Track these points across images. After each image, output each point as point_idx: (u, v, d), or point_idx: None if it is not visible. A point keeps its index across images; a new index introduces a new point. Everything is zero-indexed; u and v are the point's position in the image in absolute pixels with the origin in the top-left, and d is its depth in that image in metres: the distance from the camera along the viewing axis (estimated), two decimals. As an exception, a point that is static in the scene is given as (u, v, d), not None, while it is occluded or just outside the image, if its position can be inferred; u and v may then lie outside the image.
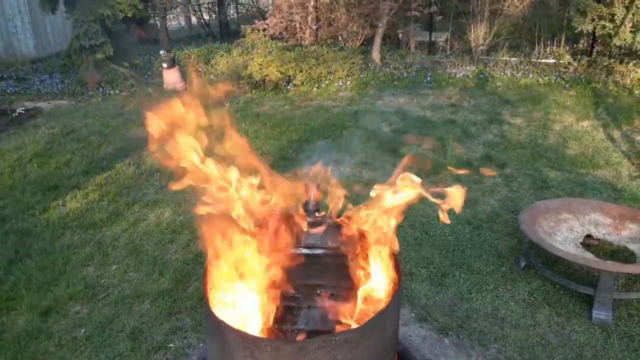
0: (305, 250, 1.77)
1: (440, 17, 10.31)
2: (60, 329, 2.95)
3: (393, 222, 1.66)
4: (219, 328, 1.50)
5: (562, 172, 4.82)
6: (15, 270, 3.54)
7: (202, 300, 3.16)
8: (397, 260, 1.69)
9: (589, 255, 3.10)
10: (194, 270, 3.46)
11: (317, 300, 1.77)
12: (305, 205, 1.75)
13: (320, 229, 1.74)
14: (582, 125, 6.15)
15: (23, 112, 7.51)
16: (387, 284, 1.66)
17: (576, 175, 4.74)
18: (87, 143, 6.13)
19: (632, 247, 3.23)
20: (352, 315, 1.62)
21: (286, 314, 1.75)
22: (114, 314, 3.06)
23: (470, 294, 3.13)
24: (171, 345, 2.80)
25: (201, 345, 2.75)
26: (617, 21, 7.04)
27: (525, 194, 4.41)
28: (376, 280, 1.67)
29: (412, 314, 2.96)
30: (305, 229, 1.73)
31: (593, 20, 7.35)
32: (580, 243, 3.29)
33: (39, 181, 5.04)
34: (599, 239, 3.42)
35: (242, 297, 1.64)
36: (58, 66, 10.22)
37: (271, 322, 1.63)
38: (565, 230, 3.37)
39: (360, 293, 1.65)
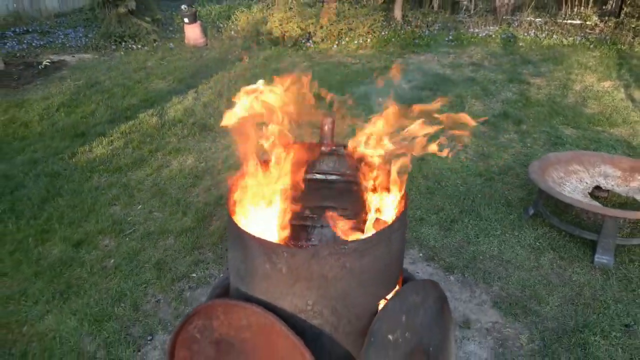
0: (319, 176, 1.91)
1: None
2: (92, 259, 3.17)
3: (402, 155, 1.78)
4: (241, 238, 1.65)
5: (578, 130, 4.85)
6: (48, 207, 3.76)
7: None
8: (404, 185, 1.82)
9: (595, 204, 3.19)
10: (215, 211, 3.65)
11: (329, 220, 1.93)
12: (322, 136, 1.88)
13: (333, 157, 1.88)
14: (604, 85, 6.10)
15: (49, 64, 7.69)
16: (393, 207, 1.79)
17: (592, 133, 4.76)
18: (111, 94, 6.29)
19: (639, 197, 3.30)
20: (362, 233, 1.76)
21: (301, 232, 1.91)
22: (140, 248, 3.27)
23: (478, 238, 3.26)
24: (194, 275, 3.00)
25: (221, 275, 2.94)
26: (646, -21, 6.85)
27: (539, 150, 4.47)
28: (384, 203, 1.81)
29: (421, 254, 3.11)
30: (320, 157, 1.87)
31: (622, -22, 7.17)
32: (589, 194, 3.38)
33: (66, 128, 5.24)
34: (608, 191, 3.50)
35: (261, 216, 1.80)
36: (81, 20, 10.35)
37: (287, 236, 1.79)
38: (574, 181, 3.45)
39: (370, 213, 1.79)
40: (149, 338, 2.56)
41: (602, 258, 2.95)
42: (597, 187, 3.46)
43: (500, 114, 5.28)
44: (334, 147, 1.91)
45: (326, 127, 1.95)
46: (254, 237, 1.60)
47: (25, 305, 2.78)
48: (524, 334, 2.50)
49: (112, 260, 3.16)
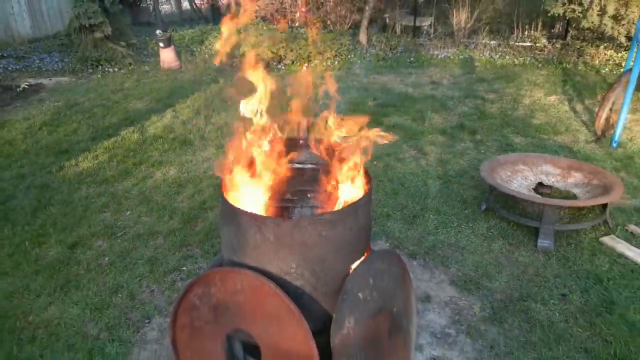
0: (298, 165, 2.29)
1: (422, 0, 10.78)
2: (87, 258, 3.44)
3: (362, 147, 2.17)
4: (235, 214, 2.00)
5: (527, 138, 5.38)
6: (41, 215, 4.01)
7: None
8: (368, 173, 2.21)
9: (535, 195, 3.65)
10: (199, 214, 3.96)
11: (307, 201, 2.29)
12: (299, 132, 2.26)
13: (309, 149, 2.25)
14: (550, 99, 6.71)
15: (27, 87, 7.89)
16: (359, 188, 2.17)
17: (539, 140, 5.30)
18: (91, 114, 6.55)
19: (575, 191, 3.78)
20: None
21: (283, 212, 2.26)
22: (132, 247, 3.56)
23: (437, 230, 3.67)
24: (184, 268, 3.30)
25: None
26: (584, 5, 7.58)
27: (491, 156, 4.94)
28: (352, 187, 2.19)
29: (387, 244, 3.50)
30: (298, 149, 2.25)
31: (564, 4, 7.89)
32: (533, 189, 3.84)
33: (50, 146, 5.48)
34: (550, 187, 3.97)
35: (250, 198, 2.15)
36: (56, 46, 10.58)
37: (273, 213, 2.14)
38: (520, 179, 3.91)
39: (340, 195, 2.16)
40: (147, 321, 2.84)
41: (544, 242, 3.39)
42: (540, 184, 3.93)
43: (457, 126, 5.79)
44: (309, 141, 2.29)
45: (303, 126, 2.34)
46: (246, 212, 1.96)
47: (28, 299, 3.03)
48: (477, 305, 2.89)
49: (107, 258, 3.44)
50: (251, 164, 2.22)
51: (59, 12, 12.24)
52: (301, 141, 2.30)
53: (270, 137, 2.30)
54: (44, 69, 9.11)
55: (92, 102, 7.14)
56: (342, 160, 2.25)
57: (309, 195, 2.31)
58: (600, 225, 3.60)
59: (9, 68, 9.06)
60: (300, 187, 2.30)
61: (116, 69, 8.93)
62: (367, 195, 2.12)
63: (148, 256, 3.44)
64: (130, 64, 9.10)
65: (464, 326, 2.73)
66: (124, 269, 3.32)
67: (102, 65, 8.95)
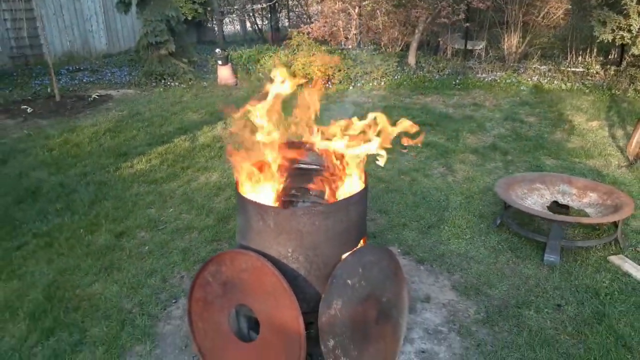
0: (303, 165, 2.61)
1: (468, 24, 10.89)
2: (130, 246, 3.90)
3: (362, 152, 2.46)
4: (243, 204, 2.35)
5: (558, 160, 5.45)
6: (96, 207, 4.55)
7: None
8: (365, 174, 2.50)
9: (545, 211, 3.77)
10: (233, 214, 4.36)
11: (309, 197, 2.60)
12: (309, 138, 2.59)
13: (314, 153, 2.58)
14: (591, 124, 6.69)
15: (97, 97, 8.73)
16: (357, 188, 2.46)
17: (569, 163, 5.35)
18: (150, 123, 7.20)
19: (588, 210, 3.87)
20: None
21: (288, 205, 2.59)
22: (170, 239, 3.99)
23: (449, 240, 3.87)
24: (211, 259, 3.69)
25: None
26: (633, 31, 7.51)
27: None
28: (351, 186, 2.48)
29: (399, 250, 3.73)
30: (305, 152, 2.57)
31: (613, 30, 7.83)
32: (547, 207, 3.96)
33: (111, 149, 6.12)
34: (567, 206, 4.07)
35: (260, 193, 2.49)
36: (126, 61, 11.55)
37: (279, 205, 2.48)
38: (536, 196, 4.05)
39: (340, 193, 2.46)
40: (174, 301, 3.23)
41: (550, 257, 3.52)
42: (556, 202, 4.04)
43: (490, 146, 5.92)
44: (315, 145, 2.62)
45: (313, 131, 2.66)
46: (251, 201, 2.30)
47: (78, 275, 3.51)
48: (473, 308, 3.08)
49: (147, 247, 3.88)
50: (263, 163, 2.57)
51: (132, 30, 13.33)
52: (308, 145, 2.62)
53: (281, 140, 2.64)
54: (113, 81, 10.01)
55: (152, 112, 7.82)
56: (343, 163, 2.56)
57: (310, 192, 2.63)
58: (611, 244, 3.67)
59: (84, 80, 10.03)
60: (303, 184, 2.62)
61: (177, 84, 9.67)
62: (359, 194, 2.41)
63: (182, 247, 3.85)
64: (190, 79, 9.82)
65: (457, 326, 2.93)
66: (160, 256, 3.74)
67: (164, 79, 9.72)
